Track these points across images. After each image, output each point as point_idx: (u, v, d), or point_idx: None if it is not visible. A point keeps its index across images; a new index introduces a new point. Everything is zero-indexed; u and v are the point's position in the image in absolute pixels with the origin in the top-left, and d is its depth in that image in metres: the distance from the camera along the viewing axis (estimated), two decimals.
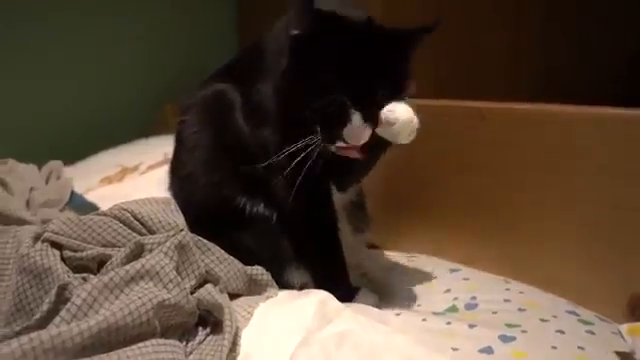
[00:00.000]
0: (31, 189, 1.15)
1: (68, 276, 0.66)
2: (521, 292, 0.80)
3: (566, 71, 1.56)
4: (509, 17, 1.54)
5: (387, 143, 0.76)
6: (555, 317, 0.72)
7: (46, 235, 0.71)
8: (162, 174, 0.99)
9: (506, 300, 0.78)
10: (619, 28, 1.64)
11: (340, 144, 0.71)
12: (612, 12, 1.63)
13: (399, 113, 0.71)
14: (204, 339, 0.66)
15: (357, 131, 0.70)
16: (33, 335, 0.52)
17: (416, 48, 0.73)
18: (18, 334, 0.56)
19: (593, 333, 0.69)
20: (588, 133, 0.82)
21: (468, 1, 1.47)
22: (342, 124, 0.70)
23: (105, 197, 1.23)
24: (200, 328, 0.67)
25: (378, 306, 0.81)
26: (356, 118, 0.69)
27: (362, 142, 0.71)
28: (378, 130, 0.72)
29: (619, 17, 1.65)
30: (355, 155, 0.73)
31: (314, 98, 0.69)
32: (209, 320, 0.68)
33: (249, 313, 0.72)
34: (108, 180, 1.37)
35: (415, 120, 0.72)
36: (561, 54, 1.58)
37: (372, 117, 0.70)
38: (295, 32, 0.70)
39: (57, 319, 0.57)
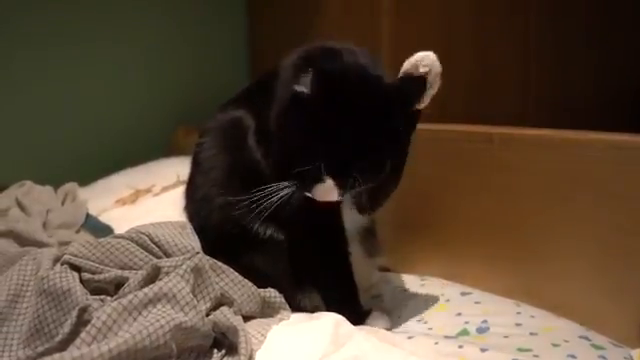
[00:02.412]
0: (48, 211, 1.18)
1: (87, 298, 0.68)
2: (532, 316, 0.81)
3: (576, 96, 1.57)
4: (519, 42, 1.57)
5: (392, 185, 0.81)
6: (567, 342, 0.72)
7: (65, 258, 0.73)
8: (175, 196, 1.00)
9: (517, 324, 0.78)
10: (630, 53, 1.66)
11: (309, 196, 0.74)
12: (623, 37, 1.65)
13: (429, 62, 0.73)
14: None
15: (325, 193, 0.73)
16: (56, 356, 0.54)
17: (411, 129, 0.76)
18: (41, 355, 0.57)
19: (605, 358, 0.69)
20: (599, 158, 0.83)
21: (478, 26, 1.49)
22: (314, 182, 0.72)
23: (119, 219, 1.25)
24: (215, 350, 0.68)
25: (389, 329, 0.82)
26: (328, 183, 0.72)
27: (331, 200, 0.74)
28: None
29: (630, 43, 1.67)
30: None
31: (295, 152, 0.72)
32: (224, 342, 0.69)
33: (262, 336, 0.73)
34: (122, 202, 1.39)
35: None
36: (571, 80, 1.59)
37: (343, 184, 0.72)
38: (299, 89, 0.71)
39: (78, 341, 0.58)
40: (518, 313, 0.82)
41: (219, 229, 0.85)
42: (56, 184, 1.37)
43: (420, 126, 0.80)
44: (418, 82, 0.74)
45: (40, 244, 1.00)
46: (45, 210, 1.17)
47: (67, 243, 0.93)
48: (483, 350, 0.70)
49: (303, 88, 0.70)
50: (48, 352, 0.59)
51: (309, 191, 0.73)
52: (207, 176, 0.88)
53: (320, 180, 0.72)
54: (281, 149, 0.76)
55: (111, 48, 1.77)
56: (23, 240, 1.01)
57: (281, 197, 0.74)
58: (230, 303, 0.74)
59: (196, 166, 0.92)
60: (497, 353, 0.69)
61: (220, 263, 0.77)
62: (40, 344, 0.65)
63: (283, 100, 0.75)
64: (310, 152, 0.71)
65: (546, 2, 1.58)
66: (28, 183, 1.29)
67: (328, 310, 0.80)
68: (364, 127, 0.71)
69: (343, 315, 0.76)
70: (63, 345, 0.60)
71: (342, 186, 0.72)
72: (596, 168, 0.83)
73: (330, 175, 0.71)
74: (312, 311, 0.82)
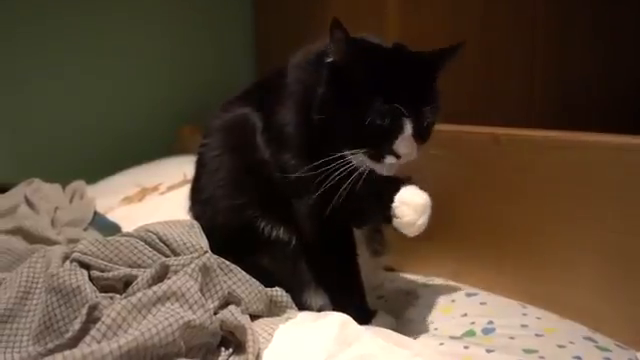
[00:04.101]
0: (56, 209, 1.18)
1: (96, 296, 0.68)
2: (538, 317, 0.81)
3: (583, 96, 1.57)
4: (525, 41, 1.56)
5: None
6: (572, 343, 0.73)
7: (74, 255, 0.74)
8: (182, 194, 1.01)
9: (523, 325, 0.79)
10: (636, 55, 1.65)
11: (391, 159, 0.73)
12: (629, 39, 1.64)
13: (405, 211, 0.73)
14: (227, 359, 0.67)
15: (409, 142, 0.72)
16: (67, 353, 0.54)
17: (442, 69, 0.75)
18: (51, 351, 0.58)
19: None
20: (605, 160, 0.83)
21: (483, 24, 1.49)
22: (394, 136, 0.71)
23: (126, 217, 1.25)
24: (223, 349, 0.69)
25: (395, 329, 0.82)
26: (408, 127, 0.71)
27: (412, 157, 0.73)
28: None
29: (636, 44, 1.66)
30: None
31: (362, 114, 0.70)
32: (232, 341, 0.70)
33: (269, 334, 0.73)
34: (128, 200, 1.40)
35: (421, 221, 0.74)
36: (578, 79, 1.59)
37: (421, 130, 0.72)
38: (331, 59, 0.74)
39: (88, 338, 0.59)
40: (524, 314, 0.82)
41: (225, 230, 0.86)
42: (63, 182, 1.38)
43: None
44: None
45: (49, 241, 1.01)
46: (53, 208, 1.18)
47: (75, 241, 0.94)
48: (489, 351, 0.70)
49: (332, 57, 0.73)
50: (58, 349, 0.60)
51: (389, 150, 0.71)
52: (212, 177, 0.88)
53: (400, 129, 0.70)
54: (339, 127, 0.73)
55: (117, 46, 1.77)
56: (32, 237, 1.02)
57: (351, 171, 0.73)
58: (238, 302, 0.74)
59: (201, 167, 0.92)
60: (503, 354, 0.69)
61: (228, 262, 0.77)
62: (50, 341, 0.66)
63: (323, 78, 0.75)
64: (380, 104, 0.69)
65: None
66: (36, 181, 1.30)
67: (335, 310, 0.80)
68: (411, 73, 0.72)
69: (349, 315, 0.76)
70: (73, 342, 0.61)
71: (419, 133, 0.72)
72: (603, 170, 0.83)
73: (410, 117, 0.70)
74: (319, 311, 0.83)
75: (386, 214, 0.76)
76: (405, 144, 0.71)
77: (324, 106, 0.75)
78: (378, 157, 0.73)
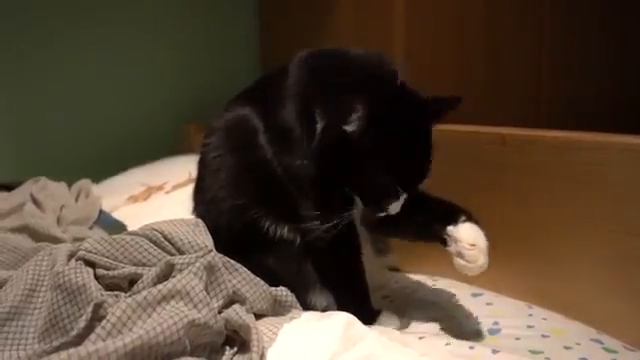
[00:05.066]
0: (62, 207, 1.19)
1: (101, 294, 0.68)
2: (544, 318, 0.81)
3: (590, 96, 1.56)
4: (532, 41, 1.55)
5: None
6: (579, 344, 0.72)
7: (80, 253, 0.74)
8: (187, 193, 1.01)
9: (529, 326, 0.78)
10: None
11: (382, 214, 0.78)
12: (637, 38, 1.63)
13: (476, 255, 0.74)
14: (231, 358, 0.67)
15: (398, 207, 0.77)
16: (72, 351, 0.54)
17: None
18: (57, 349, 0.58)
19: None
20: (612, 160, 0.82)
21: (489, 26, 1.49)
22: (389, 203, 0.76)
23: (131, 216, 1.26)
24: (227, 347, 0.69)
25: (400, 329, 0.82)
26: (402, 198, 0.76)
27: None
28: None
29: None
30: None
31: (363, 182, 0.76)
32: (236, 340, 0.69)
33: (274, 334, 0.73)
34: (134, 199, 1.40)
35: (487, 263, 0.75)
36: (586, 79, 1.58)
37: (415, 192, 0.78)
38: (348, 129, 0.74)
39: (93, 336, 0.59)
40: (530, 315, 0.82)
41: (229, 230, 0.86)
42: (68, 182, 1.39)
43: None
44: (450, 100, 0.78)
45: (54, 240, 1.01)
46: (59, 206, 1.19)
47: (81, 239, 0.94)
48: (494, 351, 0.70)
49: (351, 127, 0.73)
50: (64, 346, 0.60)
51: (383, 210, 0.77)
52: (215, 177, 0.88)
53: (397, 199, 0.76)
54: (339, 182, 0.78)
55: (122, 45, 1.78)
56: (38, 236, 1.02)
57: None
58: (242, 301, 0.74)
59: (203, 167, 0.92)
60: (508, 355, 0.69)
61: (233, 261, 0.78)
62: (55, 338, 0.66)
63: (328, 140, 0.77)
64: (381, 179, 0.74)
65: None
66: (43, 179, 1.31)
67: (339, 309, 0.80)
68: (417, 139, 0.76)
69: (354, 315, 0.75)
70: (78, 340, 0.61)
71: (414, 194, 0.77)
72: (610, 170, 0.83)
73: (406, 191, 0.76)
74: (323, 311, 0.83)
75: (436, 238, 0.79)
76: (397, 207, 0.77)
77: (325, 164, 0.78)
78: (373, 213, 0.79)
